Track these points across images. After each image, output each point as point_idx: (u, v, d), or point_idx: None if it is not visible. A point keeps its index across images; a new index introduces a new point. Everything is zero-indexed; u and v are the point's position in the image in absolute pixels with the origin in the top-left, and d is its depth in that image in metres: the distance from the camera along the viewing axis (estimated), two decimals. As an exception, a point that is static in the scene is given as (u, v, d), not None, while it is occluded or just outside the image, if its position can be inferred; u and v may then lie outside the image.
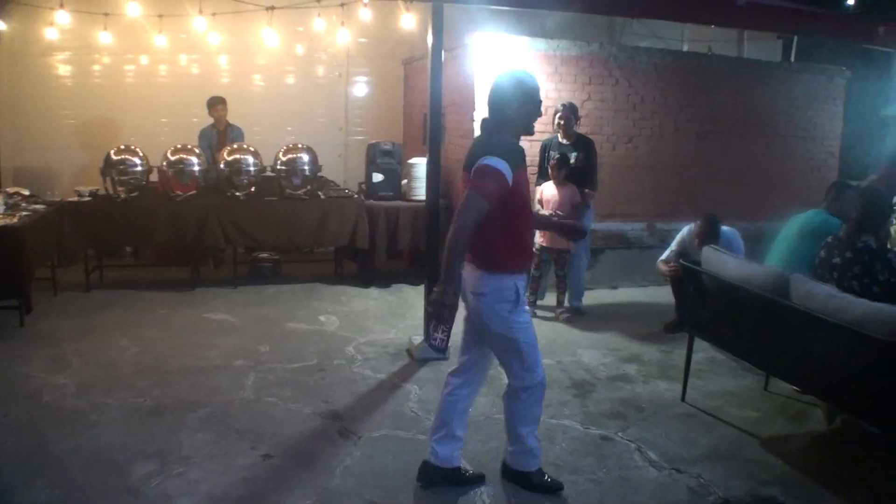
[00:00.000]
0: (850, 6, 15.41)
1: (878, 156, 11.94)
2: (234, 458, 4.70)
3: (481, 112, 8.87)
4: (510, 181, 3.84)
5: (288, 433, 5.11)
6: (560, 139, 8.21)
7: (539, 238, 8.09)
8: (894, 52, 8.40)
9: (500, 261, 4.06)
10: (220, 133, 10.28)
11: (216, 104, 10.23)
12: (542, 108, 8.08)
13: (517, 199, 3.98)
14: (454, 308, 3.76)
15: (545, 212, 7.97)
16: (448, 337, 4.46)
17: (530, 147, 8.81)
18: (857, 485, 4.65)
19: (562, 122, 8.12)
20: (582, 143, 8.23)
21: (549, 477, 4.47)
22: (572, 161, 8.02)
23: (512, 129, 4.10)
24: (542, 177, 8.32)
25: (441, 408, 4.43)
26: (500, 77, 4.13)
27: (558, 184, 7.98)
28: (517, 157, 3.98)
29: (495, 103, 4.08)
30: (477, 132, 8.86)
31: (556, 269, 8.23)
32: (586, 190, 8.15)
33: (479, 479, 4.52)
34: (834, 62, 11.40)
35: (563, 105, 8.21)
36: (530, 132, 4.20)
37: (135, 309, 8.08)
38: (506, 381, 4.41)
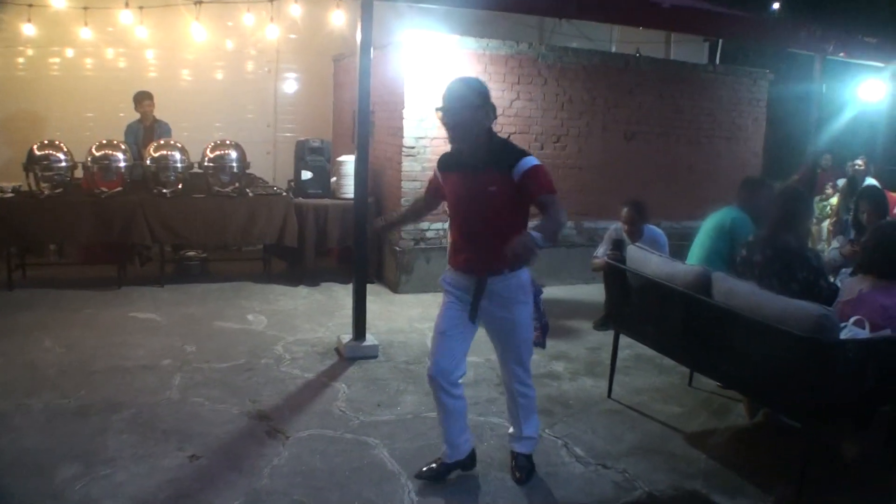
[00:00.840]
0: (775, 11, 15.78)
1: (799, 157, 12.25)
2: (161, 460, 4.63)
3: (411, 110, 8.87)
4: None
5: (215, 433, 5.05)
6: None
7: None
8: (816, 56, 8.57)
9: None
10: (146, 128, 10.14)
11: (143, 99, 10.08)
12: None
13: None
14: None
15: None
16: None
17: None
18: (777, 477, 4.75)
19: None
20: None
21: None
22: None
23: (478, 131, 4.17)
24: None
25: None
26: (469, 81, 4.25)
27: None
28: None
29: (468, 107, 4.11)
30: (408, 129, 8.86)
31: None
32: None
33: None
34: (759, 65, 11.65)
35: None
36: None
37: (59, 308, 7.91)
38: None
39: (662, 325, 5.57)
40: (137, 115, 10.15)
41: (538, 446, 4.87)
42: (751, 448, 5.31)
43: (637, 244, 7.21)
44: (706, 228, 6.59)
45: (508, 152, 4.13)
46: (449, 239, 4.28)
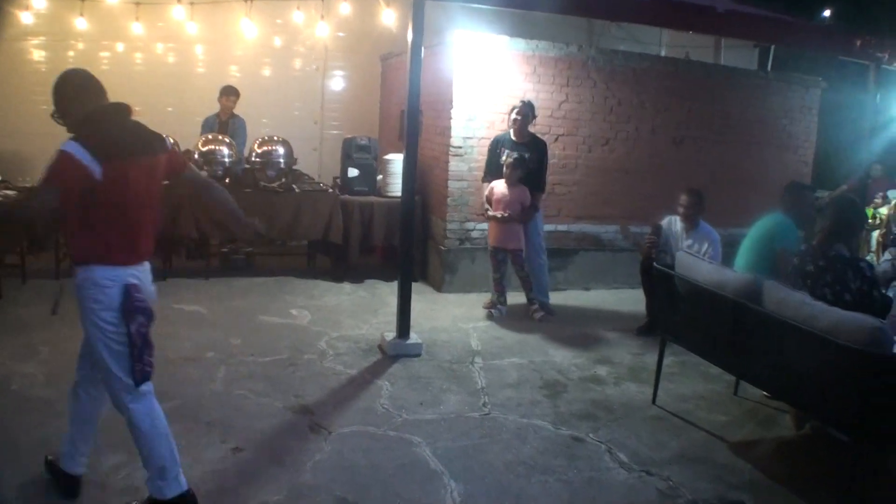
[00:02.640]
0: (825, 18, 15.56)
1: (850, 166, 12.08)
2: (204, 451, 4.66)
3: (459, 110, 8.86)
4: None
5: (258, 427, 5.08)
6: (513, 137, 8.17)
7: (490, 238, 8.13)
8: (870, 65, 8.44)
9: None
10: (221, 123, 10.18)
11: (229, 94, 10.12)
12: (505, 107, 8.08)
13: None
14: None
15: (494, 212, 7.97)
16: None
17: (478, 144, 8.86)
18: (824, 491, 4.69)
19: (518, 119, 8.04)
20: (535, 144, 8.22)
21: None
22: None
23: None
24: (491, 174, 8.24)
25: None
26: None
27: (510, 184, 7.96)
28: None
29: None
30: (456, 129, 8.86)
31: (515, 269, 8.21)
32: (536, 193, 8.14)
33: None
34: (810, 73, 11.50)
35: (522, 102, 8.15)
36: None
37: (104, 297, 7.98)
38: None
39: (710, 332, 5.50)
40: (216, 109, 10.21)
41: (583, 450, 4.84)
42: (797, 460, 5.22)
43: (686, 244, 7.22)
44: (752, 235, 6.58)
45: None
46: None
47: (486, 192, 8.15)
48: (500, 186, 8.02)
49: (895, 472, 5.05)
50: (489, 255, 8.30)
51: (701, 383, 6.52)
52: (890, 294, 5.59)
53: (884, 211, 11.41)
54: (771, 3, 9.28)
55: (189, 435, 4.85)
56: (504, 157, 8.02)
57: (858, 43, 8.14)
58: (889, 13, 16.32)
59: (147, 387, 4.01)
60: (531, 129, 8.28)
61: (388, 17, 9.26)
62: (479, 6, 7.37)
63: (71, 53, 11.20)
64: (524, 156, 7.98)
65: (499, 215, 7.92)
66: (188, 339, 6.78)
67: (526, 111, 8.07)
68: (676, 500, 4.48)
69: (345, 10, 9.94)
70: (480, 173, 8.87)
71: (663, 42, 13.60)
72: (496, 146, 8.23)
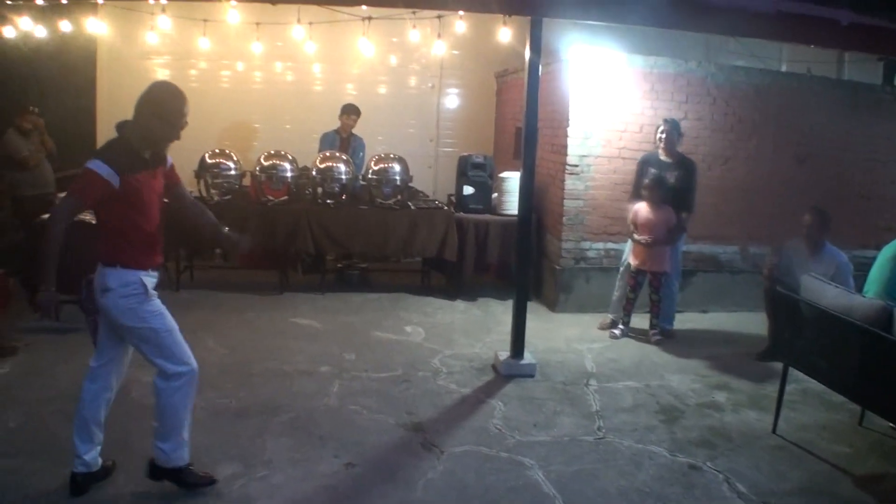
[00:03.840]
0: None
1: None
2: (317, 465, 4.73)
3: (575, 128, 8.81)
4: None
5: (371, 443, 5.13)
6: (661, 156, 8.10)
7: (633, 260, 7.99)
8: None
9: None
10: (342, 140, 10.37)
11: (350, 112, 10.31)
12: (637, 126, 8.00)
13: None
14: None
15: (639, 237, 7.86)
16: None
17: (623, 164, 8.76)
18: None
19: (663, 137, 8.01)
20: (683, 163, 8.11)
21: (199, 471, 4.41)
22: (671, 181, 7.90)
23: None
24: (638, 195, 8.15)
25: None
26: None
27: (653, 205, 7.85)
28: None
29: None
30: (572, 147, 8.81)
31: (650, 291, 8.08)
32: (683, 214, 8.03)
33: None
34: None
35: (666, 120, 8.12)
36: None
37: (222, 310, 8.21)
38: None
39: (836, 359, 5.32)
40: (336, 126, 10.40)
41: (700, 479, 4.74)
42: (928, 496, 5.02)
43: (813, 268, 6.95)
44: (883, 259, 6.30)
45: None
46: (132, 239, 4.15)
47: (632, 215, 8.07)
48: (644, 209, 7.92)
49: None
50: (627, 275, 8.18)
51: (823, 412, 6.30)
52: None
53: None
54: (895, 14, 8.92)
55: (303, 448, 4.95)
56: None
57: None
58: None
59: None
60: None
61: (504, 35, 9.25)
62: (596, 23, 7.30)
63: (193, 72, 11.58)
64: (663, 175, 7.90)
65: (643, 241, 7.83)
66: (302, 353, 6.90)
67: (670, 129, 8.03)
68: (799, 534, 4.34)
69: (460, 28, 9.97)
70: (596, 192, 8.82)
71: (783, 57, 13.24)
72: (644, 166, 8.20)
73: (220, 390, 5.86)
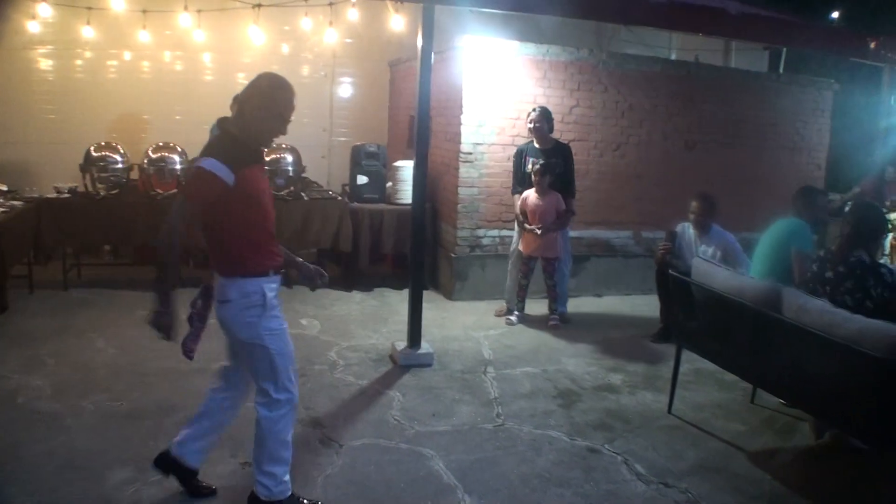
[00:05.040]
0: (833, 20, 15.45)
1: (863, 168, 11.94)
2: (214, 466, 4.56)
3: (469, 116, 8.79)
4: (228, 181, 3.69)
5: (269, 440, 5.00)
6: (536, 145, 8.12)
7: (524, 247, 8.02)
8: (884, 67, 8.32)
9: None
10: None
11: None
12: (516, 112, 8.01)
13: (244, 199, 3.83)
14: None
15: (531, 227, 7.89)
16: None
17: (503, 151, 8.78)
18: (844, 501, 4.59)
19: (536, 126, 8.02)
20: (559, 149, 8.16)
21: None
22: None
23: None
24: (520, 184, 8.20)
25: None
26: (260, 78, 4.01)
27: (542, 192, 7.89)
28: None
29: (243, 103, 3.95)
30: (466, 135, 8.78)
31: (545, 277, 8.13)
32: (569, 199, 8.10)
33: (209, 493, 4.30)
34: (819, 75, 11.40)
35: (535, 109, 8.13)
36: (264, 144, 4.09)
37: (113, 308, 7.94)
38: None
39: (728, 339, 5.41)
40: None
41: (599, 462, 4.76)
42: (817, 470, 5.14)
43: (701, 249, 7.13)
44: (767, 240, 6.52)
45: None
46: (254, 241, 3.94)
47: (520, 204, 8.08)
48: (532, 196, 7.96)
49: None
50: (520, 262, 8.19)
51: (717, 391, 6.43)
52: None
53: (894, 215, 11.28)
54: (780, 5, 9.17)
55: (198, 449, 4.78)
56: (530, 166, 7.97)
57: (873, 44, 8.02)
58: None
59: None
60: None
61: (397, 23, 9.18)
62: (489, 10, 7.28)
63: (78, 62, 11.14)
64: (550, 162, 7.92)
65: (537, 231, 7.84)
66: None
67: (541, 118, 8.02)
68: (696, 512, 4.40)
69: (353, 16, 9.86)
70: (490, 179, 8.81)
71: (673, 45, 13.51)
72: (521, 156, 8.21)
73: (111, 392, 5.64)
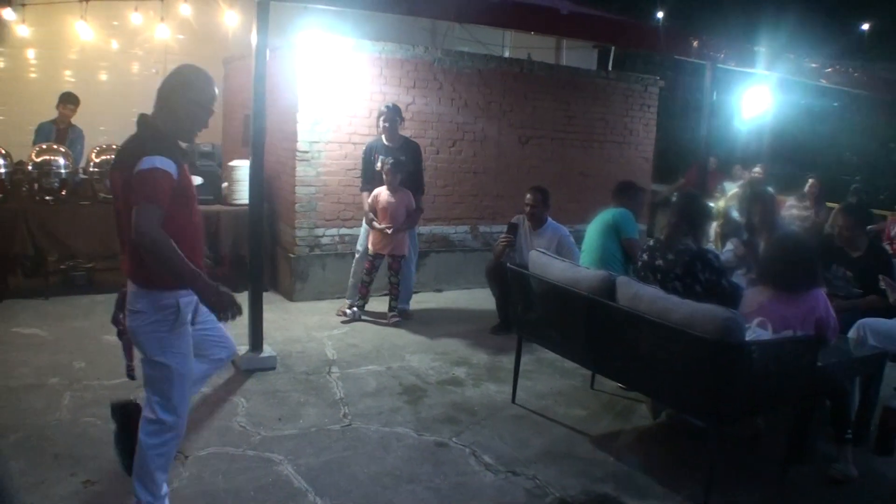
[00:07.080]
0: (659, 20, 16.12)
1: (688, 160, 12.51)
2: (53, 487, 4.35)
3: (305, 114, 8.69)
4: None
5: (109, 457, 4.69)
6: (385, 142, 8.13)
7: (371, 245, 7.99)
8: (706, 64, 8.71)
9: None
10: (59, 131, 9.68)
11: (67, 102, 9.65)
12: (366, 111, 8.00)
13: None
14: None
15: (381, 226, 7.86)
16: None
17: (354, 149, 8.75)
18: (685, 477, 4.80)
19: (386, 125, 8.03)
20: (408, 146, 8.19)
21: None
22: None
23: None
24: (368, 182, 8.17)
25: None
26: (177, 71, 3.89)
27: (393, 190, 7.89)
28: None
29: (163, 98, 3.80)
30: (302, 134, 8.68)
31: (389, 274, 8.12)
32: (418, 195, 8.16)
33: None
34: (648, 72, 11.86)
35: (387, 106, 8.12)
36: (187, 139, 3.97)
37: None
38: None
39: (566, 329, 5.56)
40: (52, 117, 9.71)
41: (447, 455, 4.79)
42: (657, 448, 5.36)
43: (536, 242, 7.33)
44: (594, 230, 6.82)
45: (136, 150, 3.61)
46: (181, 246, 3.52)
47: (370, 201, 8.02)
48: (384, 194, 7.91)
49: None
50: (365, 259, 8.14)
51: (558, 379, 6.59)
52: (735, 282, 5.75)
53: (720, 203, 11.83)
54: (608, 5, 9.50)
55: (36, 470, 4.52)
56: (379, 164, 7.94)
57: (696, 43, 8.40)
58: (715, 16, 17.06)
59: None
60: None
61: (231, 19, 9.01)
62: (325, 7, 7.21)
63: None
64: (400, 159, 7.92)
65: (388, 231, 7.81)
66: (28, 365, 6.33)
67: (393, 115, 8.02)
68: (544, 498, 4.49)
69: (185, 11, 9.62)
70: (328, 178, 8.75)
71: (506, 44, 13.77)
72: (370, 153, 8.15)
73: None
